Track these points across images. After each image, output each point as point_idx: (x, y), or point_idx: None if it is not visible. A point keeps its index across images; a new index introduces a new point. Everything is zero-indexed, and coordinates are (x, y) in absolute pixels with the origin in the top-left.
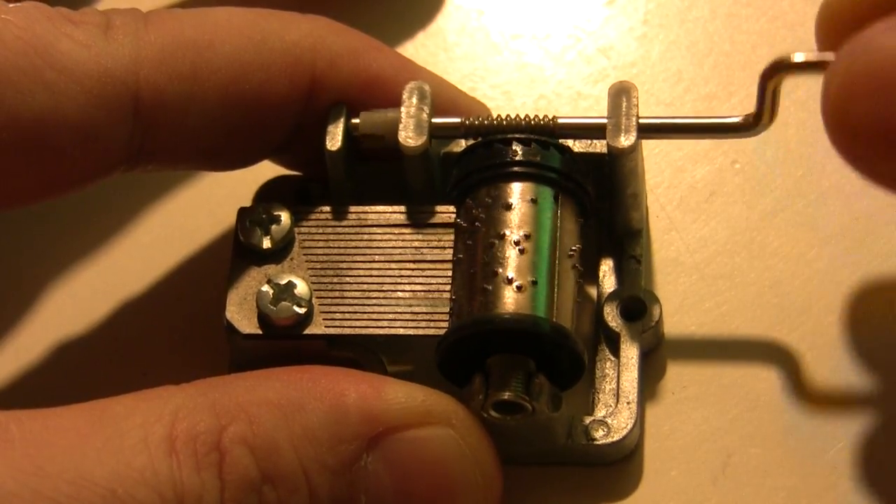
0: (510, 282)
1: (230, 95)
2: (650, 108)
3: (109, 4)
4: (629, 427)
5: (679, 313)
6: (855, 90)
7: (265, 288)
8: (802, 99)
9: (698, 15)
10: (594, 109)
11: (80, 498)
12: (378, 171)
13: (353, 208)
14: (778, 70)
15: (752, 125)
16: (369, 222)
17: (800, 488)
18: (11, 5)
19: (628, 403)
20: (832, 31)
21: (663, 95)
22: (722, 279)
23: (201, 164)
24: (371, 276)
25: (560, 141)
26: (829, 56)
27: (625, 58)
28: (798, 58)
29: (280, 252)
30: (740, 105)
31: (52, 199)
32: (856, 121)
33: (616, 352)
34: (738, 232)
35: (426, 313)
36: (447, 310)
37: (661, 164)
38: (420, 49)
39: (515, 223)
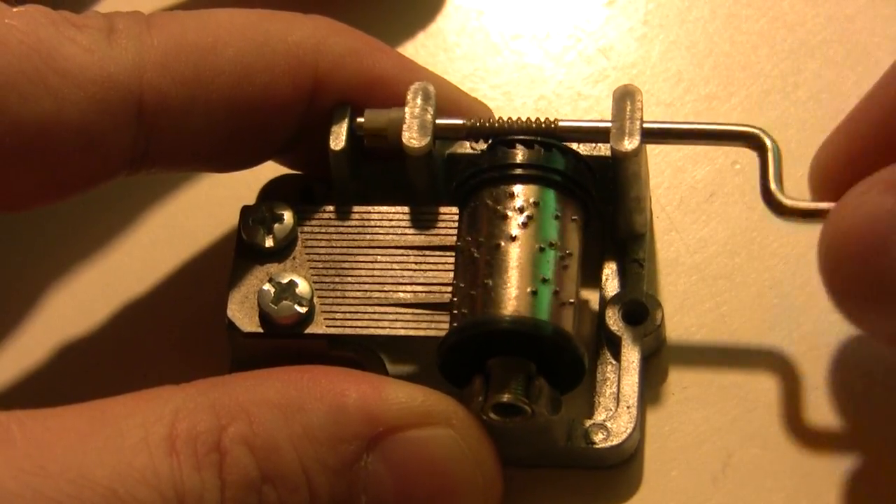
0: (512, 284)
1: (234, 98)
2: (650, 109)
3: (111, 6)
4: (629, 431)
5: (679, 314)
6: (841, 254)
7: (267, 287)
8: (802, 99)
9: (698, 15)
10: (594, 110)
11: (82, 498)
12: (381, 172)
13: (356, 208)
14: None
15: (755, 137)
16: (372, 222)
17: (800, 488)
18: (15, 9)
19: (628, 407)
20: (825, 183)
21: (663, 96)
22: (722, 280)
23: (204, 166)
24: (373, 276)
25: (564, 143)
26: (823, 206)
27: (625, 58)
28: (795, 205)
29: (282, 251)
30: (740, 105)
31: (55, 203)
32: (844, 282)
33: (617, 355)
34: (738, 232)
35: (427, 314)
36: (448, 311)
37: (661, 165)
38: (420, 49)
39: (518, 225)
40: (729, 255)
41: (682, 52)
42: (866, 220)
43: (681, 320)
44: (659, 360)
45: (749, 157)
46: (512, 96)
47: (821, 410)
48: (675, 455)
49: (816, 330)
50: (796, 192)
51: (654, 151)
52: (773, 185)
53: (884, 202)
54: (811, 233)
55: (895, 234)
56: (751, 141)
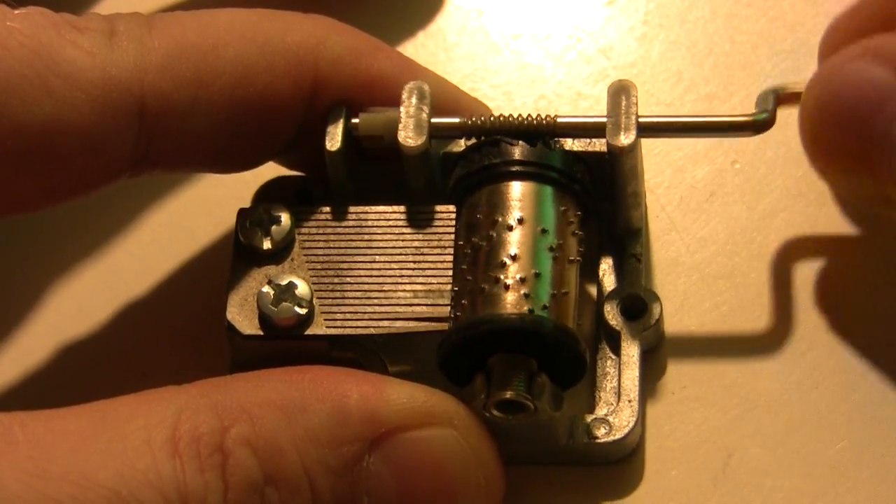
0: (511, 281)
1: (234, 99)
2: (650, 109)
3: (112, 8)
4: (631, 425)
5: (679, 313)
6: (821, 117)
7: (266, 289)
8: (803, 99)
9: (698, 15)
10: (594, 110)
11: (85, 500)
12: (378, 171)
13: (353, 208)
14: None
15: (752, 125)
16: (370, 222)
17: (800, 488)
18: (17, 12)
19: (629, 402)
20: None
21: (663, 96)
22: (722, 279)
23: (206, 167)
24: (372, 275)
25: (560, 140)
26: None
27: (625, 58)
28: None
29: (280, 253)
30: (740, 105)
31: (57, 206)
32: (823, 144)
33: (617, 350)
34: (738, 232)
35: (427, 313)
36: (448, 309)
37: (661, 165)
38: (420, 49)
39: (516, 222)
40: (729, 255)
41: (682, 52)
42: (852, 89)
43: (681, 320)
44: (658, 356)
45: (749, 156)
46: (512, 96)
47: (821, 410)
48: (675, 454)
49: (816, 329)
50: (796, 193)
51: (653, 151)
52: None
53: (871, 71)
54: (811, 232)
55: (880, 106)
56: (746, 129)
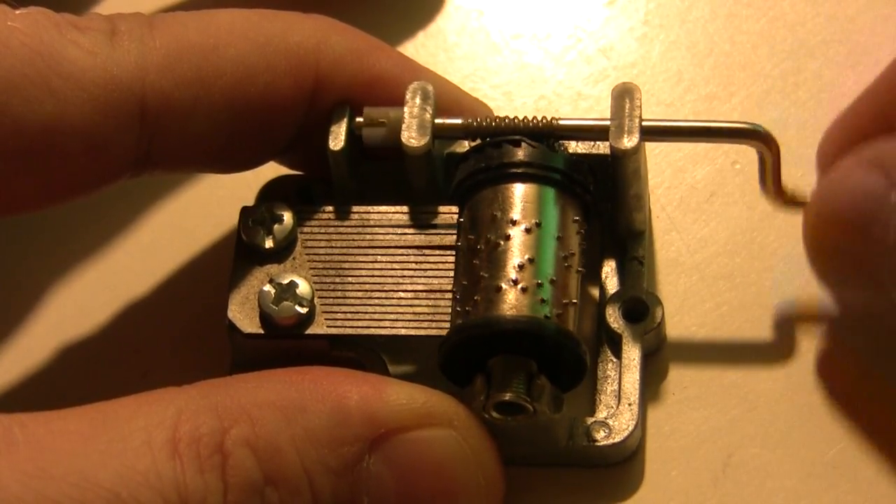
0: (512, 283)
1: (236, 99)
2: (650, 109)
3: (113, 8)
4: (630, 429)
5: (679, 314)
6: (822, 231)
7: (267, 287)
8: (803, 99)
9: (698, 15)
10: (594, 110)
11: (84, 500)
12: (381, 171)
13: (355, 208)
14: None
15: (755, 133)
16: (372, 222)
17: (800, 488)
18: (18, 12)
19: (630, 405)
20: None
21: (663, 96)
22: (722, 280)
23: (207, 167)
24: (373, 276)
25: (563, 142)
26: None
27: (625, 58)
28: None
29: (282, 252)
30: (741, 105)
31: (58, 206)
32: (826, 255)
33: (618, 353)
34: (738, 232)
35: (428, 314)
36: (449, 310)
37: (661, 165)
38: (420, 49)
39: (518, 224)
40: (729, 255)
41: (682, 52)
42: (849, 201)
43: (681, 320)
44: (659, 358)
45: (749, 157)
46: (512, 96)
47: (820, 410)
48: (676, 455)
49: (816, 330)
50: (796, 191)
51: (654, 151)
52: (771, 179)
53: (866, 181)
54: None
55: (876, 215)
56: (749, 137)
